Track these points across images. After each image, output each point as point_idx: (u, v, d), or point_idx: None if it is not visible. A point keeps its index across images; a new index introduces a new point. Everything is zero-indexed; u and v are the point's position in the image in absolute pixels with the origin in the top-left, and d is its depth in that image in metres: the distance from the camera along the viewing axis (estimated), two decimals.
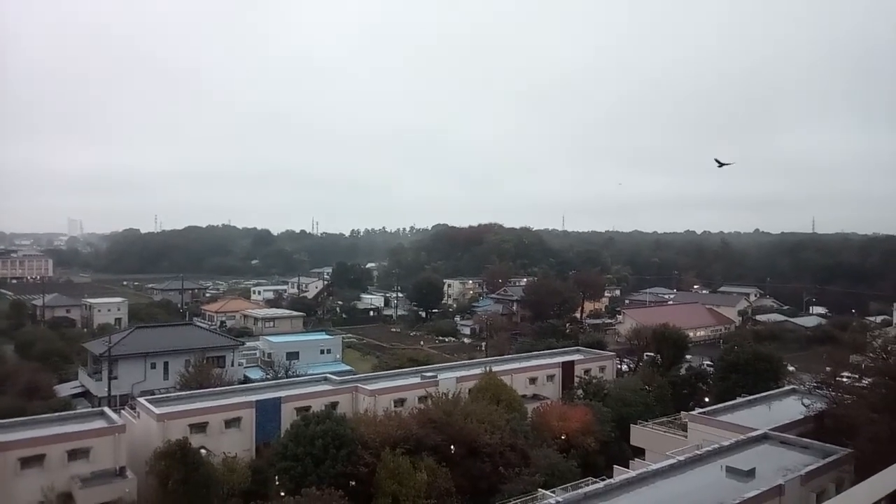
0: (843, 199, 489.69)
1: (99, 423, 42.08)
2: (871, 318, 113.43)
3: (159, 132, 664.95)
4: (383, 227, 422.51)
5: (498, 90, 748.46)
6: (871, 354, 43.21)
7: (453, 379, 55.75)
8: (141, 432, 43.78)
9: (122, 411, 49.29)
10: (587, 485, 33.65)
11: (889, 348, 41.70)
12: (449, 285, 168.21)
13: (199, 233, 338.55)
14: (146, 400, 47.89)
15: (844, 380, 43.74)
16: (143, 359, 68.90)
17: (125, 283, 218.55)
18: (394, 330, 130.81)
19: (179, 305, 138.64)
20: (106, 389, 63.77)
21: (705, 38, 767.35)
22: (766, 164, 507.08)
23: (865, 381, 41.10)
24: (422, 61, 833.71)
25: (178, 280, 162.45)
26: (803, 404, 43.95)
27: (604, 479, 34.20)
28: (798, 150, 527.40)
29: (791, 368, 68.00)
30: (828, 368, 46.04)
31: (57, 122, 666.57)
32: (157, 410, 43.93)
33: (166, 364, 69.48)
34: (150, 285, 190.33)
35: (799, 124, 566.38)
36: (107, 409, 45.81)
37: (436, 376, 57.02)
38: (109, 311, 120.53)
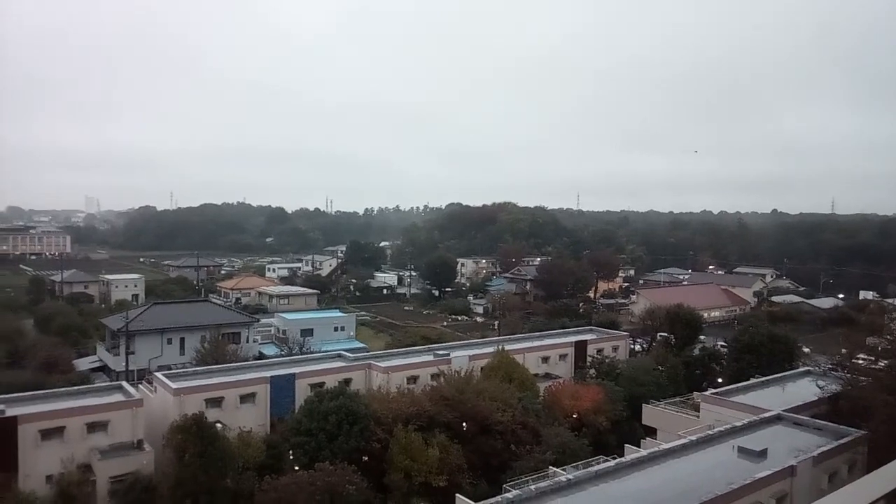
0: (864, 180, 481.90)
1: (117, 397, 42.82)
2: (890, 300, 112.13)
3: (175, 111, 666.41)
4: (397, 206, 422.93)
5: (512, 71, 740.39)
6: (888, 336, 42.78)
7: (466, 357, 55.98)
8: (158, 406, 44.50)
9: (140, 386, 50.07)
10: (598, 463, 33.79)
11: None
12: (462, 264, 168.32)
13: (214, 210, 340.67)
14: (163, 375, 48.59)
15: (860, 362, 43.38)
16: (160, 334, 69.79)
17: (142, 259, 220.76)
18: (407, 308, 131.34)
19: (195, 282, 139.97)
20: (124, 364, 64.74)
21: (719, 15, 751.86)
22: (785, 145, 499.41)
23: (882, 364, 40.74)
24: (435, 41, 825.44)
25: (193, 257, 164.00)
26: (818, 386, 43.70)
27: (615, 458, 34.33)
28: (818, 132, 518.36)
29: (806, 350, 67.58)
30: (843, 350, 45.70)
31: (75, 101, 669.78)
32: (173, 385, 44.58)
33: (182, 340, 70.38)
34: (166, 262, 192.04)
35: (820, 105, 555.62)
36: (125, 384, 46.55)
37: (448, 354, 57.31)
38: (126, 287, 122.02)
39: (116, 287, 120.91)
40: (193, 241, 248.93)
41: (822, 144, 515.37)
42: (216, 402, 44.72)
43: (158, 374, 48.92)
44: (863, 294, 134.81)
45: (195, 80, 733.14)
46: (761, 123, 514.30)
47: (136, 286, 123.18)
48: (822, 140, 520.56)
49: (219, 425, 39.47)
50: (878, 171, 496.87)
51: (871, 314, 56.99)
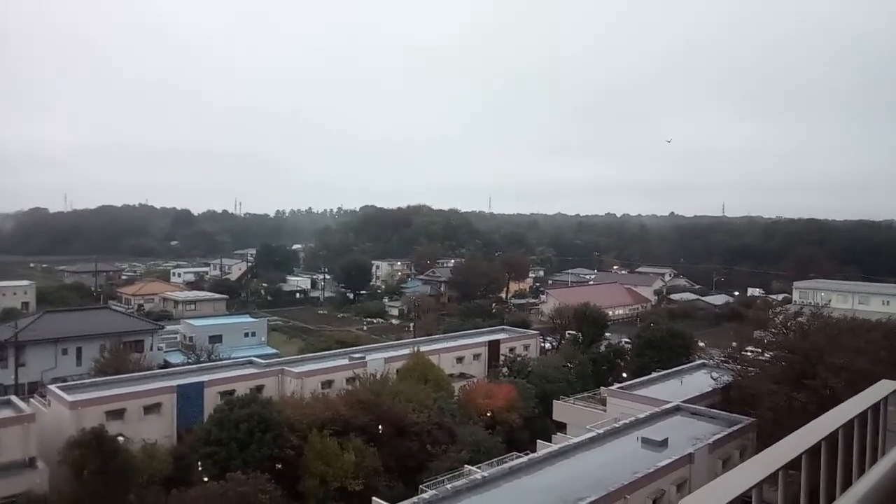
0: (750, 185, 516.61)
1: (6, 413, 39.88)
2: (774, 296, 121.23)
3: (67, 106, 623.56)
4: (310, 208, 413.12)
5: (420, 71, 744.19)
6: (772, 330, 46.28)
7: (381, 359, 55.96)
8: (52, 421, 41.82)
9: (32, 400, 46.88)
10: (512, 459, 34.74)
11: (788, 324, 44.77)
12: (377, 267, 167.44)
13: (113, 212, 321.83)
14: (58, 387, 45.74)
15: (749, 354, 46.70)
16: (54, 344, 65.47)
17: (32, 265, 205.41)
18: (321, 312, 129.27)
19: (93, 288, 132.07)
20: (13, 377, 60.34)
21: (615, 26, 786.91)
22: (679, 150, 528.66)
23: (767, 355, 44.06)
24: (342, 39, 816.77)
25: (91, 262, 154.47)
26: (712, 377, 46.75)
27: (527, 454, 35.38)
28: (710, 139, 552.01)
29: (701, 344, 71.92)
30: (734, 343, 49.02)
31: None
32: (69, 398, 42.07)
33: (79, 350, 66.34)
34: (60, 267, 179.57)
35: (713, 114, 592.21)
36: (14, 398, 43.46)
37: (364, 357, 57.07)
38: (15, 294, 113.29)
39: (3, 294, 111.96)
40: (91, 244, 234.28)
41: (714, 151, 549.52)
42: (118, 415, 42.63)
43: (52, 387, 46.02)
44: (750, 291, 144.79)
45: (88, 75, 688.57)
46: (660, 130, 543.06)
47: (25, 293, 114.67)
48: (714, 147, 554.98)
49: (121, 438, 37.65)
50: (762, 176, 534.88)
51: (757, 309, 61.35)
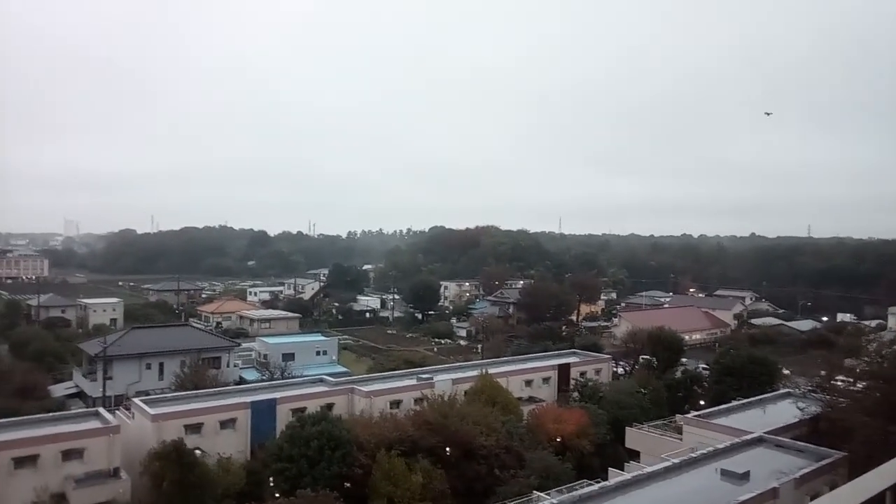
0: (840, 205, 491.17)
1: (93, 424, 42.00)
2: (866, 322, 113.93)
3: (154, 131, 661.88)
4: (380, 229, 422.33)
5: (495, 97, 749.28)
6: (865, 358, 43.37)
7: (449, 381, 55.74)
8: (135, 433, 43.67)
9: (117, 412, 49.15)
10: (582, 487, 33.68)
11: (883, 352, 41.84)
12: (445, 287, 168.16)
13: (195, 233, 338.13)
14: (141, 400, 47.80)
15: (839, 383, 43.87)
16: (139, 359, 68.74)
17: (121, 283, 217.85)
18: (390, 332, 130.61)
19: (175, 306, 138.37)
20: (101, 390, 63.59)
21: (695, 38, 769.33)
22: (761, 169, 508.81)
23: (860, 385, 41.25)
24: (411, 61, 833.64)
25: (174, 281, 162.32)
26: (798, 408, 44.02)
27: (599, 482, 34.23)
28: (792, 156, 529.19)
29: (786, 372, 68.21)
30: (822, 372, 46.18)
31: (52, 121, 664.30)
32: (151, 411, 43.85)
33: (161, 365, 69.33)
34: (145, 286, 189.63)
35: (792, 130, 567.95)
36: (101, 410, 45.71)
37: (432, 378, 57.04)
38: (105, 311, 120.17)
39: (94, 311, 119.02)
40: (174, 264, 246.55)
41: (799, 169, 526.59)
42: (195, 429, 44.05)
43: (136, 400, 48.15)
44: (840, 316, 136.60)
45: (173, 102, 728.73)
46: (740, 147, 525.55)
47: (114, 310, 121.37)
48: (799, 165, 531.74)
49: (198, 452, 38.87)
50: (852, 196, 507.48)
51: (848, 336, 57.84)
